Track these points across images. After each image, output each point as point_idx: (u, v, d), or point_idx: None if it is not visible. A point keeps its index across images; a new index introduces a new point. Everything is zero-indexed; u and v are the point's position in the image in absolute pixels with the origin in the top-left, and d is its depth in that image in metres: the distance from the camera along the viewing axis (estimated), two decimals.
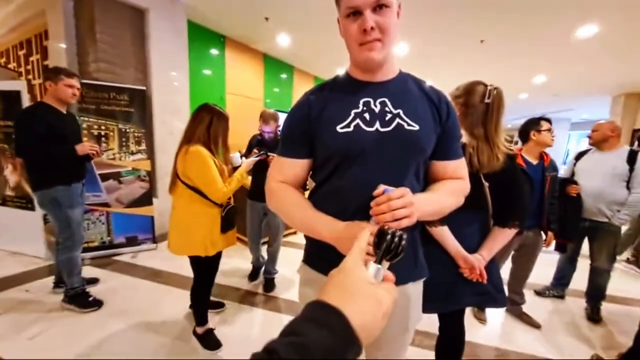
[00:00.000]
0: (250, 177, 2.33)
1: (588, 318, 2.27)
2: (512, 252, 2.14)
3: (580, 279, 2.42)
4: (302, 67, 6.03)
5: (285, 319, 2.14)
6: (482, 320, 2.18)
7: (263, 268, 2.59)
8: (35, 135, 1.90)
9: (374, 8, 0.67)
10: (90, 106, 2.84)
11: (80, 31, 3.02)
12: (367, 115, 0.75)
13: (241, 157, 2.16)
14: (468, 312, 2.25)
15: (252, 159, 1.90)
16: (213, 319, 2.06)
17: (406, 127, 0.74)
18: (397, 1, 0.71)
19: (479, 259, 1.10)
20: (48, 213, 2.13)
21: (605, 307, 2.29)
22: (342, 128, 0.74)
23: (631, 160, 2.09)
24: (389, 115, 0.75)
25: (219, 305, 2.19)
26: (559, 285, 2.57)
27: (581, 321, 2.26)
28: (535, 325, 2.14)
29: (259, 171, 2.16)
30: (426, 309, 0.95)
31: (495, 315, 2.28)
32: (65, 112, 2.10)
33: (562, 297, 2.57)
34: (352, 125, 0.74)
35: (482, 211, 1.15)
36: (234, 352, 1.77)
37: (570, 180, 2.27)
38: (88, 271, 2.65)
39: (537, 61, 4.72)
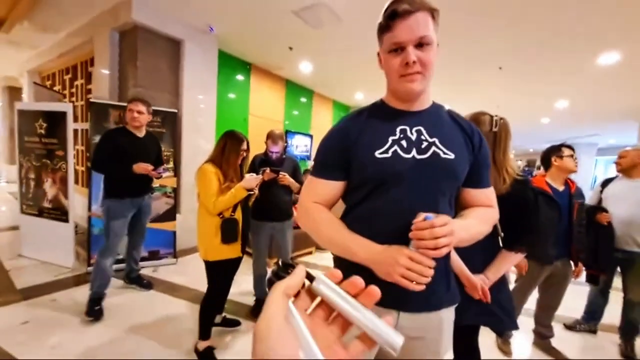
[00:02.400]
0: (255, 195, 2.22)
1: (622, 355, 2.11)
2: (540, 283, 2.06)
3: (613, 313, 2.27)
4: (321, 91, 6.26)
5: None
6: (506, 352, 2.07)
7: None
8: (102, 152, 2.23)
9: (416, 45, 0.72)
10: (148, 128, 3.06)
11: (123, 59, 3.33)
12: (404, 143, 0.78)
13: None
14: (492, 343, 2.15)
15: (253, 177, 1.88)
16: (226, 337, 2.08)
17: (442, 155, 0.77)
18: (436, 39, 0.75)
19: (483, 279, 1.12)
20: (104, 219, 2.36)
21: None
22: (380, 154, 0.77)
23: None
24: (425, 144, 0.78)
25: (235, 324, 2.20)
26: (591, 319, 2.42)
27: (615, 357, 2.10)
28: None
29: (266, 190, 2.21)
30: None
31: (522, 348, 2.15)
32: (141, 136, 2.39)
33: (594, 331, 2.40)
34: (390, 152, 0.77)
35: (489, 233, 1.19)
36: None
37: (600, 207, 2.19)
38: (112, 282, 2.75)
39: (558, 87, 4.70)
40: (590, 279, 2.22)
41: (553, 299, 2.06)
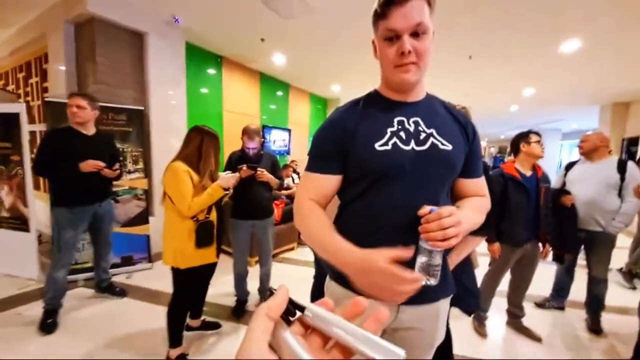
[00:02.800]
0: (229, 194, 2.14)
1: (589, 329, 2.25)
2: (512, 265, 2.15)
3: (579, 290, 2.41)
4: (298, 84, 6.16)
5: None
6: (482, 334, 2.16)
7: (258, 288, 2.54)
8: (47, 155, 2.02)
9: (412, 33, 0.70)
10: (103, 127, 2.87)
11: (81, 54, 3.10)
12: (402, 134, 0.76)
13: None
14: (468, 325, 2.23)
15: (230, 175, 1.83)
16: (208, 340, 2.03)
17: (440, 146, 0.76)
18: (432, 28, 0.73)
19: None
20: (53, 229, 2.17)
21: (605, 318, 2.27)
22: (380, 146, 0.75)
23: (621, 169, 2.13)
24: (423, 135, 0.77)
25: (216, 326, 2.14)
26: (558, 297, 2.56)
27: (582, 333, 2.24)
28: (536, 338, 2.12)
29: (245, 188, 2.15)
30: None
31: (496, 329, 2.25)
32: (90, 134, 2.19)
33: (562, 308, 2.55)
34: (389, 144, 0.75)
35: None
36: None
37: (564, 190, 2.30)
38: (82, 292, 2.61)
39: (525, 75, 4.87)
40: (556, 258, 2.34)
41: (524, 280, 2.16)
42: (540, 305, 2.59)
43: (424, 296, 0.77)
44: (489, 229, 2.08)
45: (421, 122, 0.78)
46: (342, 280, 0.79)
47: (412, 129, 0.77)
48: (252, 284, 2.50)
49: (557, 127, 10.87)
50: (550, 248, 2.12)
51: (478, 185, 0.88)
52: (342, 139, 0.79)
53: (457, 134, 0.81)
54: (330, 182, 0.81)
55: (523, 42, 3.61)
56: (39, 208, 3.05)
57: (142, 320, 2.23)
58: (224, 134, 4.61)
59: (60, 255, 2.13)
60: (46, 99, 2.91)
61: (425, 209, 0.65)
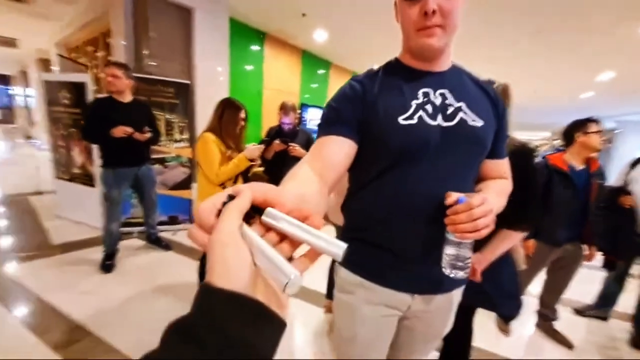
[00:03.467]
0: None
1: (632, 344, 2.03)
2: (548, 265, 1.99)
3: (627, 301, 2.16)
4: (340, 62, 6.03)
5: (303, 305, 2.22)
6: (505, 331, 2.06)
7: None
8: (90, 120, 2.25)
9: None
10: (142, 98, 3.16)
11: (137, 29, 3.36)
12: (429, 108, 0.68)
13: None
14: (490, 320, 2.15)
15: (256, 146, 1.86)
16: None
17: (470, 122, 0.68)
18: None
19: (477, 257, 1.05)
20: (102, 187, 2.47)
21: None
22: (405, 120, 0.66)
23: None
24: (451, 109, 0.69)
25: None
26: (603, 306, 2.32)
27: (622, 346, 2.03)
28: (567, 344, 1.97)
29: (278, 162, 2.23)
30: None
31: (522, 328, 2.13)
32: (127, 102, 2.35)
33: (604, 318, 2.32)
34: (415, 117, 0.67)
35: None
36: None
37: (623, 189, 2.02)
38: (135, 242, 3.00)
39: (604, 56, 4.19)
40: (606, 265, 2.10)
41: (560, 282, 1.99)
42: (580, 312, 2.38)
43: (438, 286, 0.76)
44: (532, 224, 1.87)
45: (449, 95, 0.70)
46: (352, 266, 0.78)
47: (438, 102, 0.69)
48: None
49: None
50: (598, 252, 1.91)
51: (503, 167, 0.81)
52: (360, 105, 0.69)
53: (487, 109, 0.72)
54: (341, 146, 0.65)
55: (599, 16, 3.09)
56: None
57: (182, 272, 2.51)
58: (263, 110, 4.74)
59: (110, 211, 2.44)
60: None
61: (453, 197, 0.59)
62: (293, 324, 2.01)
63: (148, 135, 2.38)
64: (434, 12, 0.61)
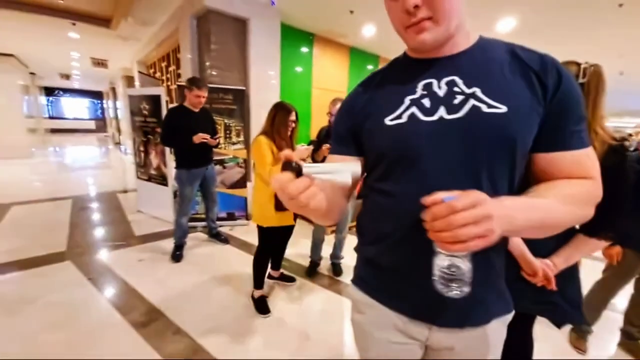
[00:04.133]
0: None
1: None
2: (637, 276, 1.70)
3: None
4: (388, 55, 5.86)
5: (345, 301, 2.24)
6: (580, 349, 1.81)
7: (330, 254, 2.72)
8: (169, 128, 2.60)
9: None
10: (206, 105, 3.50)
11: (201, 43, 3.72)
12: (426, 102, 0.59)
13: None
14: (564, 337, 1.91)
15: (304, 147, 2.00)
16: (284, 289, 2.37)
17: (485, 109, 0.54)
18: None
19: (548, 265, 0.95)
20: (176, 185, 2.84)
21: None
22: (392, 120, 0.60)
23: None
24: (460, 98, 0.57)
25: (291, 280, 2.47)
26: None
27: None
28: None
29: (322, 161, 2.29)
30: None
31: (601, 347, 1.85)
32: (197, 111, 2.71)
33: None
34: (404, 116, 0.59)
35: None
36: (287, 320, 2.02)
37: None
38: (199, 236, 3.35)
39: None
40: None
41: None
42: None
43: (464, 317, 0.61)
44: (618, 232, 1.62)
45: (459, 82, 0.58)
46: (361, 285, 0.73)
47: (442, 92, 0.58)
48: (326, 250, 2.73)
49: None
50: None
51: (576, 160, 0.56)
52: (352, 117, 0.68)
53: (521, 87, 0.55)
54: None
55: None
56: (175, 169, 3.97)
57: (238, 264, 2.74)
58: (312, 110, 4.86)
59: (182, 206, 2.79)
60: (178, 84, 3.66)
61: (436, 196, 0.45)
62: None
63: (218, 140, 2.76)
64: (416, 6, 0.53)
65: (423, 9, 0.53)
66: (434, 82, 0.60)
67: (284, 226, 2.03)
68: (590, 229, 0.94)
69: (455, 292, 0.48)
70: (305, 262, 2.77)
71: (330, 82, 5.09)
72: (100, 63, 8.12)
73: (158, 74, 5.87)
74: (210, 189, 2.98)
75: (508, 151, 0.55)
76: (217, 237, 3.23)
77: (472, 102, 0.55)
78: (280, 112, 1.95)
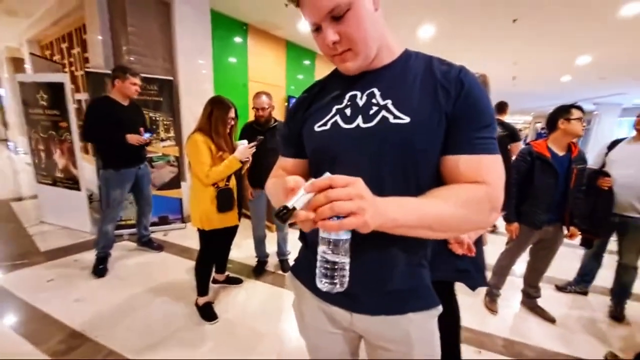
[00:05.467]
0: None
1: (610, 316, 2.18)
2: (531, 246, 2.10)
3: (605, 276, 2.31)
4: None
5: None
6: (492, 310, 2.18)
7: (277, 251, 2.68)
8: (94, 123, 2.25)
9: (333, 18, 0.56)
10: None
11: (114, 24, 3.22)
12: (348, 111, 0.65)
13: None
14: (479, 301, 2.26)
15: (246, 146, 1.85)
16: (231, 292, 2.26)
17: (391, 120, 0.59)
18: None
19: (469, 237, 1.14)
20: (102, 188, 2.49)
21: (630, 306, 2.18)
22: (319, 127, 0.67)
23: None
24: (375, 108, 0.62)
25: (238, 281, 2.37)
26: (582, 282, 2.47)
27: (602, 319, 2.18)
28: (550, 319, 2.10)
29: (257, 157, 2.11)
30: None
31: (508, 307, 2.25)
32: (126, 104, 2.40)
33: (584, 293, 2.47)
34: (329, 123, 0.66)
35: None
36: (237, 322, 1.95)
37: (602, 172, 2.13)
38: (126, 245, 2.96)
39: (580, 41, 4.31)
40: (584, 243, 2.23)
41: (542, 262, 2.10)
42: (562, 288, 2.53)
43: (376, 304, 0.67)
44: (508, 209, 2.03)
45: (377, 93, 0.63)
46: (295, 270, 0.82)
47: (362, 103, 0.64)
48: (272, 248, 2.68)
49: (617, 101, 9.65)
50: (579, 232, 2.03)
51: (471, 164, 0.58)
52: (294, 122, 0.75)
53: (426, 99, 0.59)
54: (293, 165, 0.78)
55: (577, 3, 3.16)
56: (87, 170, 3.39)
57: (176, 272, 2.51)
58: (249, 104, 4.67)
59: (108, 211, 2.45)
60: (86, 70, 3.12)
61: (324, 176, 0.47)
62: None
63: (150, 139, 2.50)
64: (334, 43, 0.59)
65: (343, 43, 0.59)
66: (358, 93, 0.66)
67: (227, 227, 1.93)
68: None
69: (328, 287, 0.48)
70: (251, 262, 2.68)
71: (267, 75, 4.96)
72: None
73: (57, 57, 4.91)
74: (144, 190, 2.68)
75: (409, 158, 0.60)
76: (149, 245, 2.90)
77: (383, 112, 0.61)
78: (217, 108, 1.80)
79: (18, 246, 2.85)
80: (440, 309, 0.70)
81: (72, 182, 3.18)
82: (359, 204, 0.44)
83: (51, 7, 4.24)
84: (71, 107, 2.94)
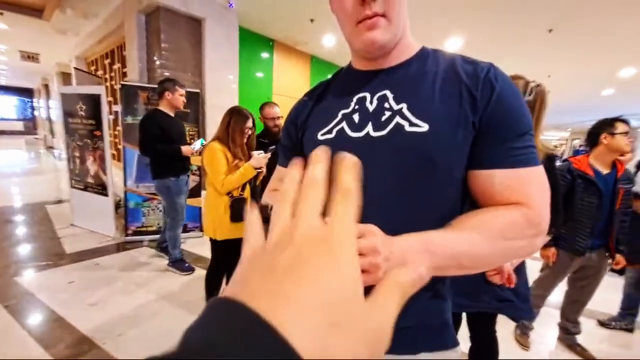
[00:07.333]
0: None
1: None
2: (570, 275, 1.87)
3: None
4: None
5: None
6: (524, 345, 1.94)
7: None
8: (152, 136, 2.38)
9: None
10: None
11: (150, 41, 3.44)
12: (356, 117, 0.57)
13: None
14: (509, 335, 2.03)
15: (262, 155, 1.85)
16: None
17: (407, 128, 0.51)
18: None
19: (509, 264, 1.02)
20: (162, 198, 2.61)
21: None
22: (323, 135, 0.60)
23: None
24: (387, 114, 0.54)
25: None
26: (627, 316, 2.16)
27: None
28: (589, 359, 1.84)
29: (269, 170, 2.12)
30: None
31: (542, 342, 2.01)
32: (173, 116, 2.54)
33: (630, 330, 2.15)
34: (334, 131, 0.58)
35: None
36: None
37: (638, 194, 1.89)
38: (147, 251, 3.03)
39: (624, 51, 4.01)
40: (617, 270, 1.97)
41: (583, 294, 1.86)
42: (605, 324, 2.22)
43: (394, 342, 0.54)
44: (550, 233, 1.82)
45: (390, 96, 0.55)
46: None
47: (372, 107, 0.56)
48: None
49: None
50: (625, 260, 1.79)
51: (512, 181, 0.49)
52: (294, 130, 0.68)
53: (449, 102, 0.52)
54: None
55: (617, 9, 2.95)
56: (119, 177, 3.56)
57: (188, 280, 2.51)
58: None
59: (177, 217, 2.58)
60: (121, 83, 3.33)
61: None
62: None
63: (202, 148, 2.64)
64: None
65: (379, 3, 0.50)
66: (368, 96, 0.58)
67: (240, 238, 1.90)
68: None
69: None
70: None
71: (291, 89, 5.05)
72: (30, 57, 7.18)
73: (100, 72, 5.33)
74: (185, 197, 2.81)
75: (428, 172, 0.51)
76: (166, 251, 2.94)
77: (397, 119, 0.53)
78: (235, 117, 1.82)
79: (46, 248, 3.00)
80: (458, 350, 0.59)
81: (101, 188, 3.34)
82: (371, 261, 0.38)
83: (98, 26, 4.64)
84: (105, 117, 3.12)
